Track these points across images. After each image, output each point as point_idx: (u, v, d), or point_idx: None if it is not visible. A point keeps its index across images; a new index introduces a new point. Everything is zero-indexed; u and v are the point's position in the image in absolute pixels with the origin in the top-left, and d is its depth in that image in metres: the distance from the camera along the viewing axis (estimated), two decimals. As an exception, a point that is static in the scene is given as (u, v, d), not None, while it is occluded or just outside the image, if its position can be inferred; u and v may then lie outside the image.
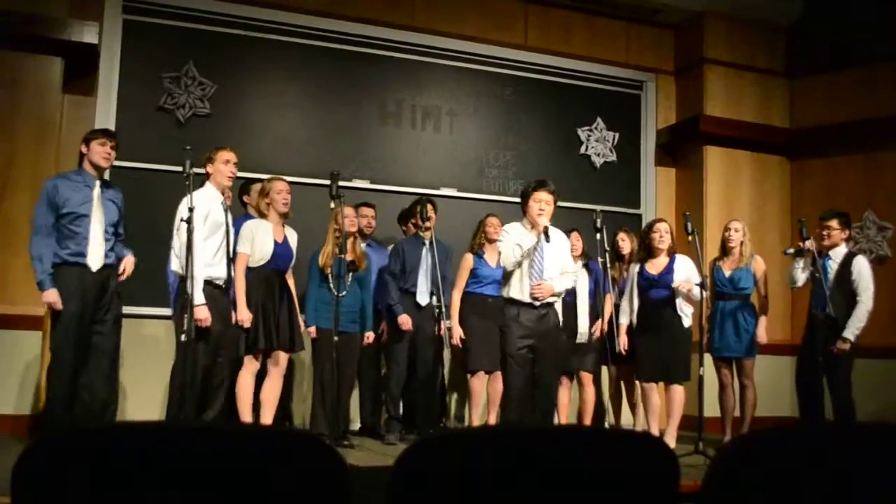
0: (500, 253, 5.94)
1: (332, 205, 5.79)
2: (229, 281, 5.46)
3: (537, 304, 5.75)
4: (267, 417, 5.85)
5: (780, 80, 9.00)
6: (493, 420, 6.77)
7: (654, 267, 6.34)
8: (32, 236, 5.30)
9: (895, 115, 8.09)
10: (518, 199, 6.32)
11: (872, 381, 7.63)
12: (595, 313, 6.74)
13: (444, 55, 8.20)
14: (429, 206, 6.75)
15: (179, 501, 1.37)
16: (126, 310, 5.76)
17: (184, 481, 1.36)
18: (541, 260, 5.80)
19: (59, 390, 5.28)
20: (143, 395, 6.81)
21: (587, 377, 6.76)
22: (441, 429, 6.80)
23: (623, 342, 6.39)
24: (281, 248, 5.86)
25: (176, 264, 5.31)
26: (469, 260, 6.79)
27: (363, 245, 6.76)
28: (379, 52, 7.95)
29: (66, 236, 5.29)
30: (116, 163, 5.73)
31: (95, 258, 5.36)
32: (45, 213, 5.28)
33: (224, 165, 5.52)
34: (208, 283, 5.32)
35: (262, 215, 5.90)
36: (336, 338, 5.68)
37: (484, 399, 6.80)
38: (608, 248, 6.50)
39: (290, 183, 6.11)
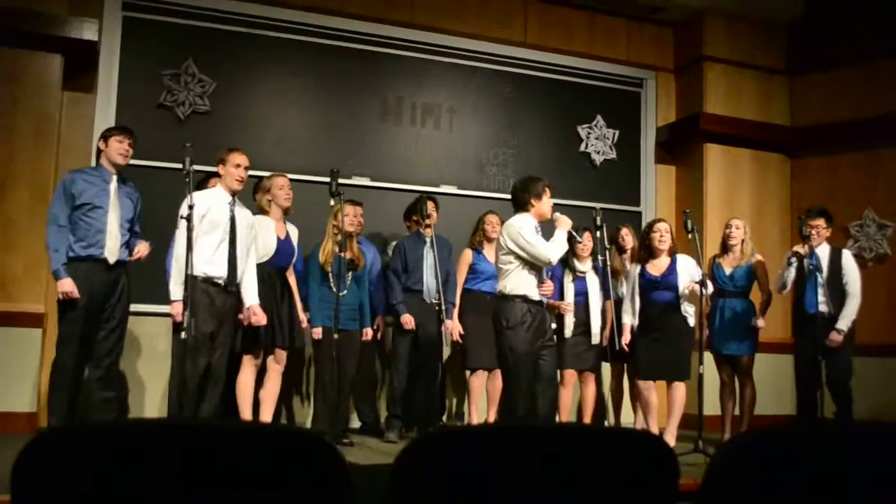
0: (527, 248, 5.58)
1: (332, 202, 5.79)
2: (230, 280, 5.44)
3: (544, 301, 5.77)
4: (266, 415, 5.86)
5: (780, 78, 9.00)
6: (492, 418, 6.77)
7: (656, 268, 6.31)
8: (48, 228, 5.37)
9: (895, 114, 8.08)
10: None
11: (869, 379, 7.64)
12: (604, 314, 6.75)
13: (445, 52, 8.19)
14: (429, 204, 6.76)
15: (179, 498, 1.37)
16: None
17: (183, 478, 1.36)
18: None
19: (60, 384, 5.31)
20: (143, 392, 6.82)
21: (589, 375, 6.77)
22: (440, 427, 6.80)
23: (626, 341, 6.37)
24: (283, 245, 5.87)
25: (176, 261, 5.31)
26: (468, 255, 6.81)
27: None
28: (379, 50, 7.94)
29: (80, 228, 5.37)
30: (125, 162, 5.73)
31: (112, 250, 5.43)
32: (61, 206, 5.37)
33: (234, 168, 5.51)
34: (205, 281, 5.32)
35: (264, 212, 5.91)
36: (336, 336, 5.68)
37: (483, 396, 6.81)
38: (609, 246, 6.50)
39: (291, 180, 6.12)
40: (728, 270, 6.69)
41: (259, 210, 5.94)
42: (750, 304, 6.69)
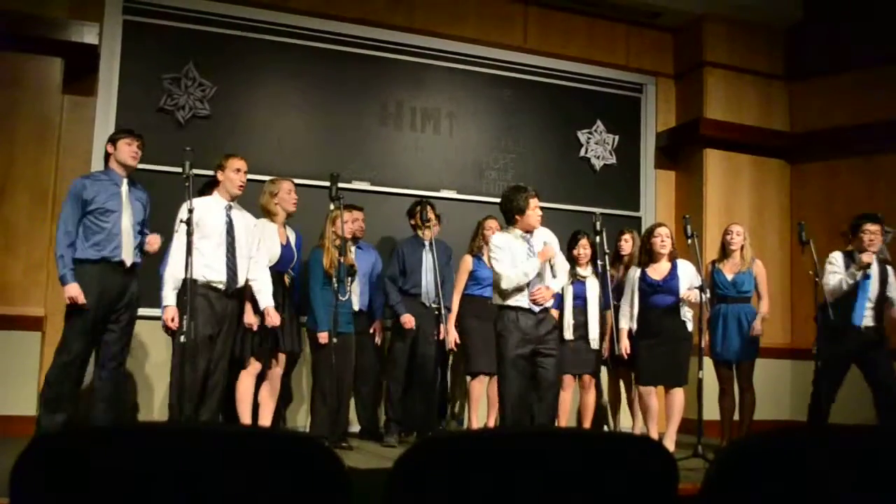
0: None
1: (332, 206, 5.79)
2: (230, 284, 5.45)
3: (536, 309, 5.69)
4: (265, 419, 5.86)
5: (779, 84, 9.01)
6: (492, 423, 6.77)
7: (657, 272, 6.32)
8: (58, 234, 5.38)
9: (895, 119, 8.09)
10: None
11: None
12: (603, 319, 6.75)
13: (444, 57, 8.20)
14: (428, 209, 6.77)
15: (177, 503, 1.37)
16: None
17: (182, 483, 1.36)
18: (534, 264, 5.79)
19: (58, 387, 5.30)
20: (143, 396, 6.82)
21: (589, 380, 6.76)
22: (440, 431, 6.80)
23: (625, 346, 6.37)
24: (285, 251, 5.89)
25: (174, 266, 5.32)
26: (468, 262, 6.82)
27: (353, 248, 6.78)
28: (379, 54, 7.95)
29: (93, 232, 5.37)
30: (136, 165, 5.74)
31: (129, 253, 5.45)
32: (71, 212, 5.38)
33: (234, 174, 5.56)
34: (204, 286, 5.34)
35: (268, 215, 5.91)
36: (335, 339, 5.67)
37: (484, 401, 6.81)
38: (608, 251, 6.49)
39: (294, 183, 6.14)
40: (730, 276, 6.68)
41: (263, 213, 5.95)
42: (751, 309, 6.68)
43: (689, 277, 6.25)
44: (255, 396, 5.86)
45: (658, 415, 6.45)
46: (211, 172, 5.79)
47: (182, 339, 4.92)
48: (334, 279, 5.99)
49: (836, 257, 6.40)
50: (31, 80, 6.51)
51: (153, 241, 5.61)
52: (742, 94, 8.83)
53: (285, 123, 7.59)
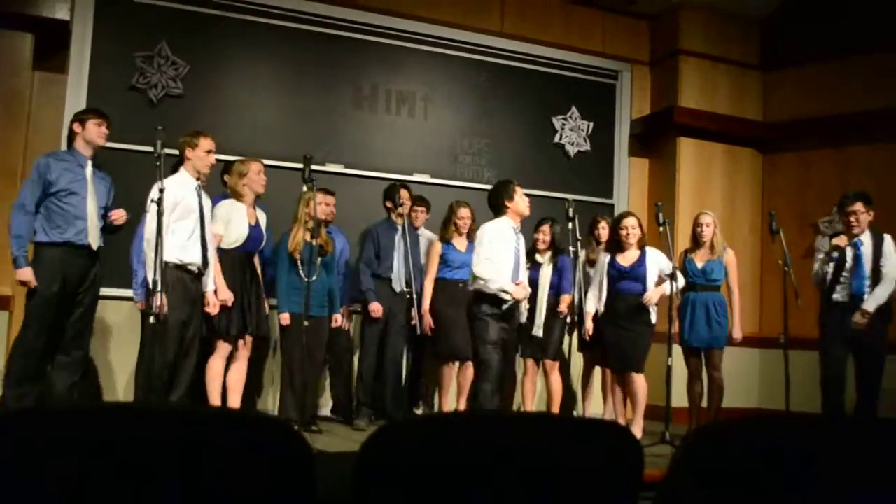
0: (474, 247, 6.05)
1: (305, 188, 5.76)
2: (204, 266, 5.42)
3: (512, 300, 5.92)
4: (234, 401, 5.83)
5: (754, 73, 9.05)
6: (462, 407, 6.79)
7: (626, 259, 6.36)
8: (14, 213, 5.24)
9: (867, 111, 8.16)
10: (490, 187, 6.38)
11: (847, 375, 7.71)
12: (554, 305, 6.77)
13: (420, 40, 8.17)
14: (403, 192, 6.76)
15: (144, 485, 1.36)
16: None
17: (146, 465, 1.35)
18: (518, 260, 5.93)
19: (22, 368, 5.24)
20: (108, 378, 6.77)
21: (551, 365, 6.79)
22: (409, 415, 6.81)
23: (589, 328, 6.43)
24: (254, 231, 5.84)
25: (147, 247, 5.26)
26: (438, 246, 6.82)
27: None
28: (354, 36, 7.90)
29: (57, 214, 5.26)
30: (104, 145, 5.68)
31: (94, 237, 5.36)
32: (31, 191, 5.24)
33: (206, 154, 5.49)
34: (179, 268, 5.29)
35: (237, 196, 5.87)
36: (306, 323, 5.66)
37: (454, 386, 6.82)
38: (580, 238, 6.51)
39: (264, 166, 6.09)
40: (700, 264, 6.71)
41: (232, 194, 5.90)
42: (721, 297, 6.71)
43: (657, 266, 6.29)
44: (223, 379, 5.83)
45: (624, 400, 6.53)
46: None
47: (151, 319, 4.87)
48: (300, 262, 5.97)
49: (823, 243, 6.46)
50: (0, 55, 6.41)
51: (117, 214, 5.50)
52: (716, 82, 8.86)
53: (259, 104, 7.54)
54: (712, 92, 8.82)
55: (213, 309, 5.51)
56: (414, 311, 6.45)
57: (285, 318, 6.08)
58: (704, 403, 6.80)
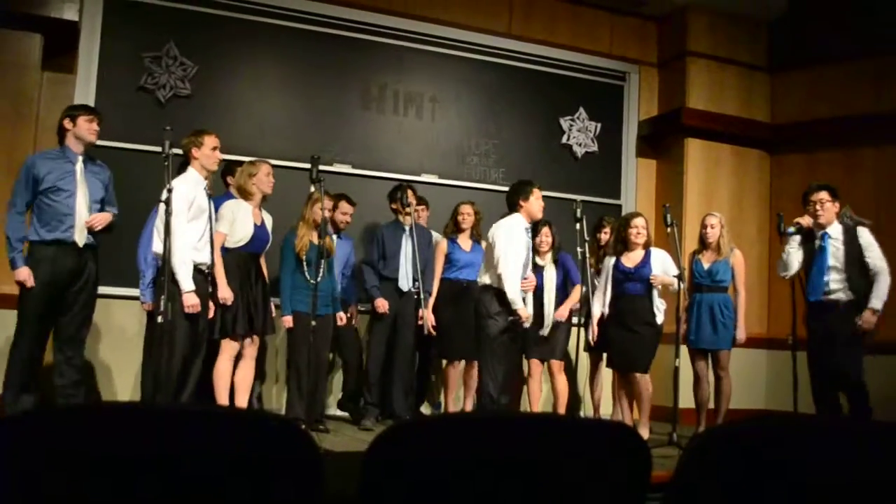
0: (486, 244, 6.12)
1: (312, 189, 5.76)
2: (212, 265, 5.42)
3: (521, 295, 5.92)
4: (241, 401, 5.84)
5: (761, 75, 9.03)
6: (468, 407, 6.79)
7: (630, 260, 6.35)
8: (7, 215, 5.26)
9: (875, 112, 8.14)
10: (498, 189, 6.41)
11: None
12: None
13: (429, 41, 8.17)
14: (409, 193, 6.76)
15: (152, 485, 1.37)
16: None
17: (155, 465, 1.36)
18: (530, 256, 5.97)
19: (19, 371, 5.23)
20: (114, 378, 6.77)
21: (557, 365, 6.79)
22: (416, 415, 6.82)
23: (594, 331, 6.43)
24: (259, 231, 5.85)
25: (159, 247, 5.24)
26: (443, 245, 6.84)
27: (334, 237, 6.79)
28: (363, 37, 7.91)
29: (45, 212, 5.24)
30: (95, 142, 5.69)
31: (80, 232, 5.32)
32: (21, 191, 5.24)
33: (212, 151, 5.48)
34: (193, 268, 5.28)
35: (245, 195, 5.87)
36: (314, 322, 5.66)
37: (460, 386, 6.82)
38: (588, 238, 6.51)
39: (271, 166, 6.09)
40: (706, 265, 6.70)
41: (239, 193, 5.91)
42: (728, 298, 6.70)
43: (661, 265, 6.28)
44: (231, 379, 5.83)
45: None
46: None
47: (160, 318, 4.87)
48: (305, 262, 5.98)
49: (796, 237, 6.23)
50: (9, 56, 6.43)
51: (95, 220, 5.39)
52: (724, 84, 8.85)
53: (267, 104, 7.55)
54: (720, 93, 8.80)
55: (225, 301, 5.53)
56: (421, 311, 6.45)
57: (288, 321, 6.14)
58: (711, 404, 6.79)
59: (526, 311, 5.92)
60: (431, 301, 6.74)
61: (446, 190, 7.92)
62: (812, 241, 6.09)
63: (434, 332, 6.72)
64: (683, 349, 6.43)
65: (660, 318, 6.29)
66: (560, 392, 6.78)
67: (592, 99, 8.85)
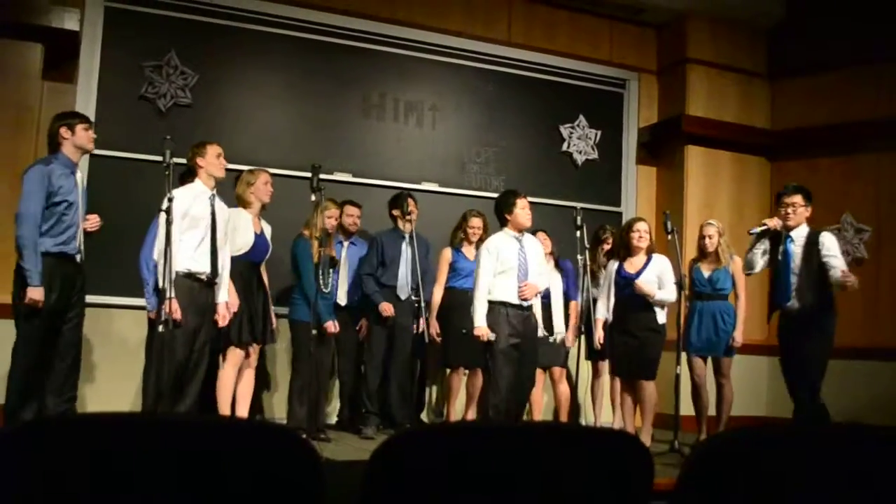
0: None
1: (313, 197, 5.77)
2: (213, 275, 5.41)
3: (525, 304, 5.90)
4: (242, 410, 5.83)
5: (761, 82, 9.04)
6: (471, 416, 6.78)
7: (632, 266, 6.35)
8: (25, 224, 5.06)
9: (874, 119, 8.16)
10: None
11: (849, 382, 7.69)
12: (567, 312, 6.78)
13: (428, 49, 8.18)
14: (409, 201, 6.76)
15: (152, 494, 1.37)
16: (98, 300, 5.69)
17: (157, 475, 1.36)
18: (525, 262, 5.90)
19: (23, 383, 5.20)
20: (114, 386, 6.75)
21: (559, 372, 6.78)
22: (417, 424, 6.81)
23: (599, 336, 6.42)
24: (259, 240, 5.86)
25: (157, 255, 5.24)
26: (448, 253, 6.83)
27: (346, 243, 6.81)
28: (362, 45, 7.92)
29: (57, 224, 5.17)
30: (95, 151, 5.71)
31: (81, 244, 5.33)
32: (40, 200, 5.08)
33: (217, 159, 5.48)
34: (189, 276, 5.28)
35: (243, 204, 5.88)
36: (315, 331, 5.67)
37: (462, 394, 6.81)
38: (588, 246, 6.51)
39: (271, 175, 6.10)
40: (707, 273, 6.70)
41: (238, 202, 5.92)
42: (729, 306, 6.70)
43: (658, 271, 6.26)
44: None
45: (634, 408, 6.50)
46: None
47: (160, 328, 4.87)
48: (320, 271, 5.99)
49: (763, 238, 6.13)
50: (10, 66, 6.44)
51: (92, 220, 5.40)
52: (724, 91, 8.86)
53: (267, 113, 7.56)
54: (720, 100, 8.81)
55: (222, 321, 5.51)
56: (421, 320, 6.44)
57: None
58: (713, 411, 6.78)
59: (482, 331, 5.80)
60: (435, 309, 6.74)
61: (447, 198, 7.93)
62: (779, 245, 5.97)
63: (438, 340, 6.72)
64: (684, 356, 6.42)
65: (661, 319, 6.27)
66: (562, 399, 6.78)
67: (592, 106, 8.86)
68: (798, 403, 5.85)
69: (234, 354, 5.71)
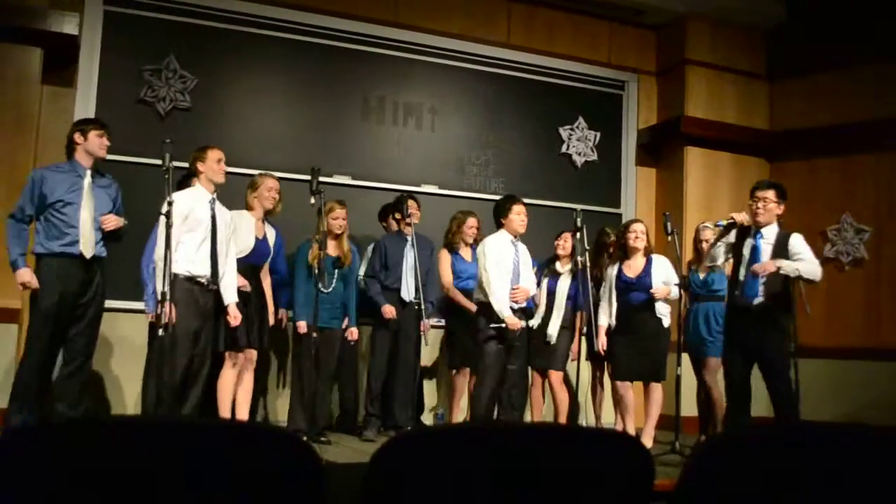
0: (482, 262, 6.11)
1: (313, 200, 5.77)
2: (213, 278, 5.41)
3: (515, 307, 5.97)
4: (242, 413, 5.83)
5: (760, 83, 9.05)
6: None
7: (632, 269, 6.35)
8: (8, 219, 5.28)
9: (873, 119, 8.16)
10: (498, 199, 6.44)
11: (849, 383, 7.70)
12: (570, 317, 6.77)
13: (428, 52, 8.18)
14: (410, 203, 6.75)
15: (153, 496, 1.37)
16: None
17: (157, 477, 1.36)
18: (518, 266, 5.94)
19: (27, 386, 5.22)
20: (117, 391, 6.77)
21: (556, 377, 6.77)
22: (418, 425, 6.80)
23: (602, 343, 6.41)
24: (260, 244, 5.86)
25: (157, 258, 5.24)
26: (445, 254, 6.83)
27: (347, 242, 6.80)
28: (362, 48, 7.92)
29: (53, 226, 5.25)
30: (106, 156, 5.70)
31: (87, 245, 5.32)
32: (27, 201, 5.26)
33: (217, 164, 5.50)
34: (189, 280, 5.28)
35: (247, 208, 5.89)
36: (315, 334, 5.67)
37: (466, 395, 6.81)
38: (588, 248, 6.51)
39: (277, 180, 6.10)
40: (702, 276, 6.70)
41: (245, 206, 5.93)
42: (722, 308, 6.67)
43: (663, 274, 6.27)
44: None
45: (637, 410, 6.49)
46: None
47: (161, 332, 4.87)
48: (317, 272, 5.99)
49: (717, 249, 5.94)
50: (9, 70, 6.44)
51: (108, 220, 5.44)
52: (723, 92, 8.86)
53: (266, 116, 7.56)
54: (719, 101, 8.81)
55: (234, 321, 5.52)
56: (423, 322, 6.43)
57: (302, 327, 6.15)
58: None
59: (514, 320, 5.92)
60: (463, 301, 6.68)
61: (446, 200, 7.92)
62: (746, 240, 5.76)
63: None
64: (685, 357, 6.42)
65: (666, 322, 6.28)
66: (560, 402, 6.76)
67: (592, 108, 8.86)
68: (780, 399, 5.66)
69: (232, 358, 5.71)
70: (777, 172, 8.91)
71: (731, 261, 5.88)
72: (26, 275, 5.18)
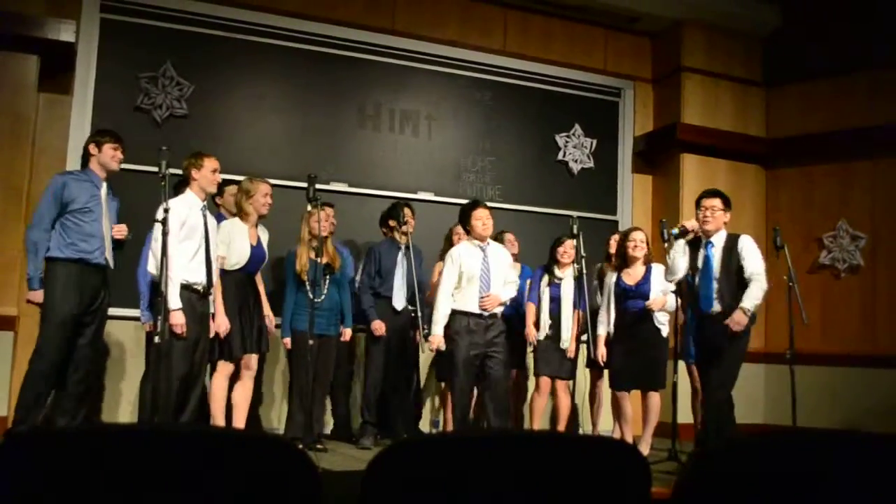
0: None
1: (309, 208, 5.77)
2: (209, 286, 5.41)
3: (486, 314, 5.89)
4: (239, 421, 5.82)
5: (756, 90, 9.07)
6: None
7: (631, 277, 6.35)
8: (33, 228, 5.28)
9: (869, 126, 8.18)
10: (495, 206, 6.44)
11: (846, 390, 7.70)
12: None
13: (424, 59, 8.19)
14: (406, 210, 6.75)
15: (149, 505, 1.37)
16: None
17: (155, 484, 1.35)
18: (488, 272, 5.92)
19: (36, 394, 5.21)
20: (112, 397, 6.75)
21: (563, 385, 6.75)
22: (414, 433, 6.80)
23: (602, 353, 6.40)
24: (255, 251, 5.84)
25: (153, 266, 5.24)
26: (441, 266, 6.82)
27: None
28: (358, 56, 7.93)
29: (73, 231, 5.28)
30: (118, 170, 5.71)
31: (109, 255, 5.41)
32: (49, 207, 5.28)
33: (212, 174, 5.49)
34: (186, 288, 5.27)
35: (240, 215, 5.86)
36: (311, 342, 5.66)
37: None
38: (584, 255, 6.51)
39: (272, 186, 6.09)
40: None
41: (233, 212, 5.91)
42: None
43: (661, 282, 6.28)
44: (227, 397, 5.81)
45: (634, 418, 6.48)
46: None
47: (157, 339, 4.86)
48: (307, 282, 5.98)
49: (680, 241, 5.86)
50: (6, 77, 6.43)
51: (119, 230, 5.54)
52: (719, 99, 8.88)
53: (263, 124, 7.56)
54: (715, 108, 8.83)
55: (219, 329, 5.52)
56: (418, 331, 6.43)
57: (287, 343, 6.19)
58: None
59: (436, 339, 5.85)
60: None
61: (442, 207, 7.93)
62: (699, 250, 5.77)
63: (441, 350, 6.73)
64: (681, 364, 6.42)
65: (665, 331, 6.28)
66: (562, 409, 6.74)
67: (588, 115, 8.88)
68: (713, 401, 5.61)
69: (225, 366, 5.70)
70: (773, 179, 8.95)
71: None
72: (39, 297, 5.25)
